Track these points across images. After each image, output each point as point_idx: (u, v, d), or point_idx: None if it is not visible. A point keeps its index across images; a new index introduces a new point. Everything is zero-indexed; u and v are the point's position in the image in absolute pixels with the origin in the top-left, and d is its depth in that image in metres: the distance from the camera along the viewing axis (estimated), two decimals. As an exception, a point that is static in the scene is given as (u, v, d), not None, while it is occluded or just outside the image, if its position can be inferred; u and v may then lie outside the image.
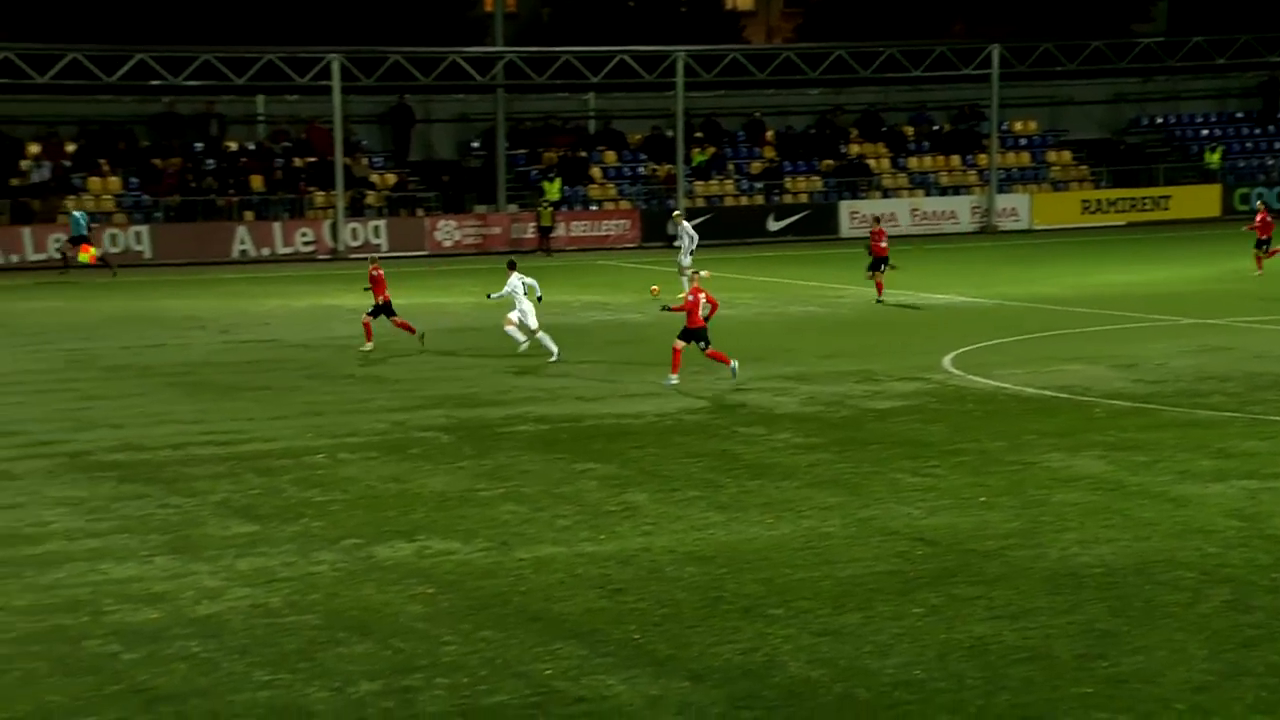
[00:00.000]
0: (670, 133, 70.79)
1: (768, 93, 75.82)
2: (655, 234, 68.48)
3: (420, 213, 67.82)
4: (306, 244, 64.35)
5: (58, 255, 58.73)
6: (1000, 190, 73.96)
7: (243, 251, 63.36)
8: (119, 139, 67.10)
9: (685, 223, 51.38)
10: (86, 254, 56.39)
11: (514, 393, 32.13)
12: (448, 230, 66.53)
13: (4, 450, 27.26)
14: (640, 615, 17.77)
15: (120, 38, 64.60)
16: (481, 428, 28.73)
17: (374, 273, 38.52)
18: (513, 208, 68.94)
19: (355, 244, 64.43)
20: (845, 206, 72.07)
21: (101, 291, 53.31)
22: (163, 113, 68.36)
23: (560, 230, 67.38)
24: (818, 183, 73.83)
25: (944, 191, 74.91)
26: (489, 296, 37.44)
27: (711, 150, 73.55)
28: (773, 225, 70.87)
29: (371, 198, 67.64)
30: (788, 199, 72.68)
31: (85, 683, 15.85)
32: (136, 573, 19.64)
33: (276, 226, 64.65)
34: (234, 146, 68.53)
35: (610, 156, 73.26)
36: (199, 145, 67.84)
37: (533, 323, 36.34)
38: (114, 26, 69.07)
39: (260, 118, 70.84)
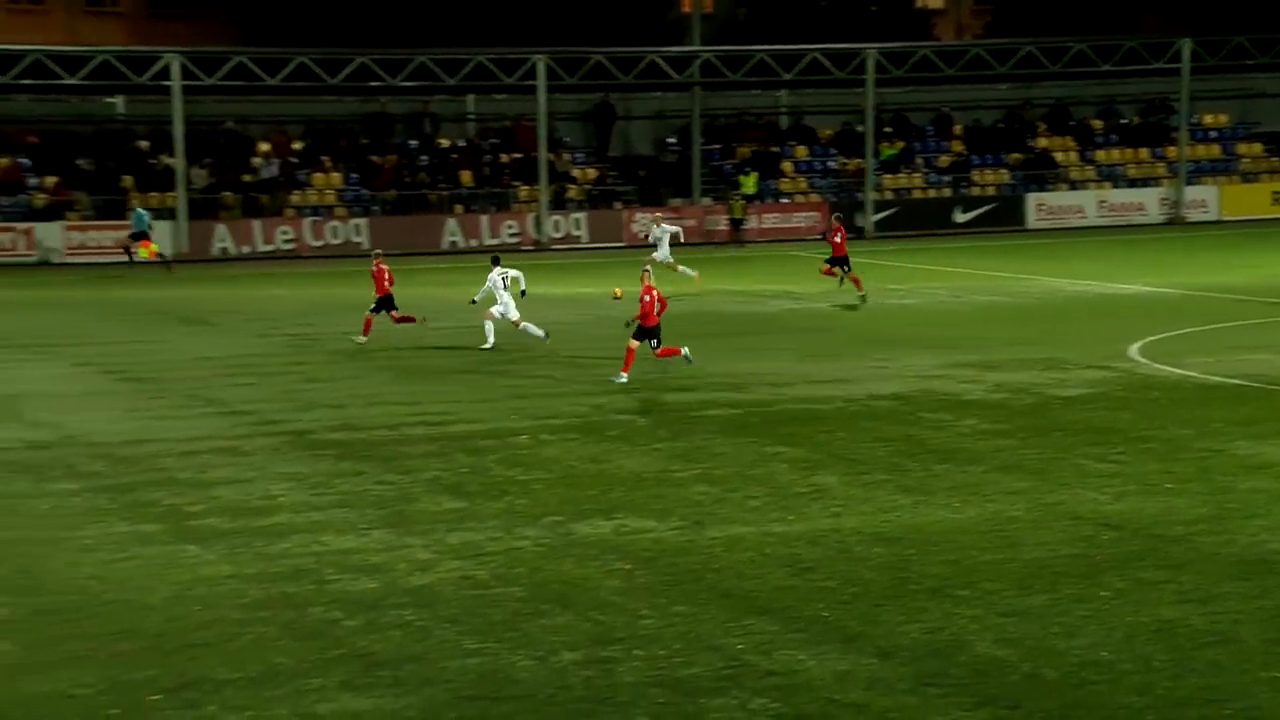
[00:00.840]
0: (860, 128, 70.96)
1: (957, 88, 75.68)
2: (846, 226, 68.84)
3: (618, 205, 69.11)
4: (512, 235, 65.98)
5: (122, 250, 58.82)
6: (1189, 182, 73.17)
7: (452, 243, 65.23)
8: (340, 137, 69.37)
9: (665, 224, 51.91)
10: (147, 249, 57.16)
11: (706, 378, 32.34)
12: (644, 222, 67.50)
13: (237, 428, 28.28)
14: (829, 593, 18.01)
15: (342, 42, 66.80)
16: (675, 412, 29.24)
17: (375, 269, 38.37)
18: (706, 200, 69.68)
19: (558, 235, 66.09)
20: (1032, 199, 72.00)
21: (323, 280, 54.65)
22: (379, 112, 70.27)
23: (752, 222, 67.95)
24: (1005, 175, 73.67)
25: (1131, 184, 74.33)
26: (472, 302, 37.39)
27: (900, 144, 73.68)
28: (960, 217, 70.96)
29: (573, 191, 69.01)
30: (975, 191, 72.63)
31: (310, 646, 16.49)
32: (355, 545, 20.32)
33: (484, 219, 66.54)
34: (445, 143, 70.34)
35: (801, 151, 73.65)
36: (413, 142, 69.87)
37: (514, 315, 36.42)
38: (337, 31, 71.30)
39: (470, 116, 72.52)
